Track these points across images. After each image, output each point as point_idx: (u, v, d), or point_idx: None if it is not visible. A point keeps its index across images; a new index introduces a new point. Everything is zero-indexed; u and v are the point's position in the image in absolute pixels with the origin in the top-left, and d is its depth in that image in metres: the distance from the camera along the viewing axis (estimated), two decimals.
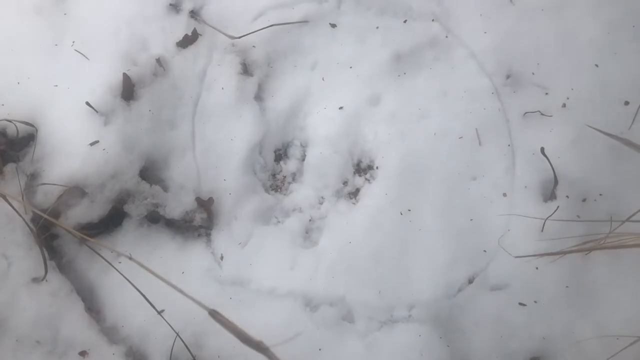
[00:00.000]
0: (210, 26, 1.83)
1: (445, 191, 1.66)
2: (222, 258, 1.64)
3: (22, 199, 1.54)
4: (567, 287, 1.52)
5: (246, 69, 1.83)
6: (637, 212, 1.35)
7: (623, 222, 1.34)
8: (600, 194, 1.60)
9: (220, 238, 1.67)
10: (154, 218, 1.67)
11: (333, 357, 1.50)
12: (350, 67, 1.83)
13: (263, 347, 0.69)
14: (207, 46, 1.83)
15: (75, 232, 1.21)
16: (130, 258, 0.90)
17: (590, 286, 1.53)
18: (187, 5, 1.86)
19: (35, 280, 1.53)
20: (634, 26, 1.76)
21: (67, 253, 1.62)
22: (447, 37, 1.84)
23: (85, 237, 1.20)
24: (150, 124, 1.69)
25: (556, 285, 1.53)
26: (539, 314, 1.51)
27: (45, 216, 1.31)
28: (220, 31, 1.81)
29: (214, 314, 0.75)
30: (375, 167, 1.74)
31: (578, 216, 1.58)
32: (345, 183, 1.76)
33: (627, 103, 1.69)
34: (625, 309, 1.49)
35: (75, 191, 1.58)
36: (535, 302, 1.52)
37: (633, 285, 1.50)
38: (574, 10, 1.81)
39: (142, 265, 0.99)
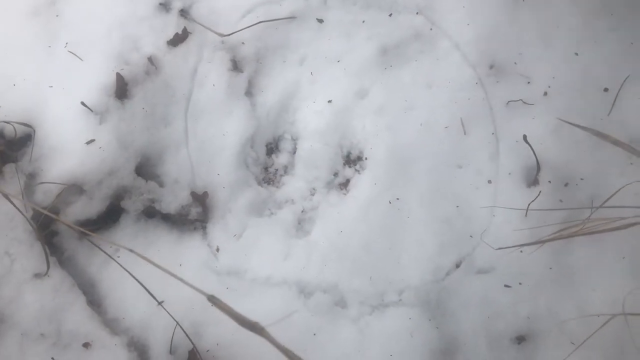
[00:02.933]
0: (200, 24, 1.86)
1: (432, 180, 1.70)
2: (218, 250, 1.69)
3: (22, 197, 1.58)
4: (550, 268, 1.58)
5: (236, 66, 1.87)
6: (609, 198, 1.40)
7: (596, 208, 1.40)
8: (582, 179, 1.65)
9: (216, 231, 1.71)
10: (151, 213, 1.71)
11: (327, 341, 1.55)
12: (338, 61, 1.87)
13: (259, 328, 0.74)
14: (197, 44, 1.86)
15: (76, 227, 1.25)
16: (132, 250, 0.95)
17: (572, 267, 1.58)
18: (176, 4, 1.89)
19: (38, 276, 1.57)
20: (612, 14, 1.81)
21: (68, 249, 1.66)
22: (431, 29, 1.88)
23: (84, 231, 1.24)
24: (144, 121, 1.73)
25: (540, 267, 1.58)
26: (524, 295, 1.56)
27: (47, 212, 1.35)
28: (209, 29, 1.85)
29: (213, 299, 0.80)
30: (364, 158, 1.79)
31: (560, 200, 1.63)
32: (335, 174, 1.81)
33: (606, 90, 1.74)
34: (605, 288, 1.54)
35: (74, 189, 1.62)
36: (520, 283, 1.58)
37: (612, 265, 1.56)
38: (554, 0, 1.86)
39: (142, 257, 1.04)
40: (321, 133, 1.81)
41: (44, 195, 1.60)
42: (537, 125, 1.72)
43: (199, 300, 0.85)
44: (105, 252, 1.48)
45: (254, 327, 0.76)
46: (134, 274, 1.38)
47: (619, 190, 1.46)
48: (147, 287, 1.39)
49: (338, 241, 1.66)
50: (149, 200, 1.69)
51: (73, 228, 1.35)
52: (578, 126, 1.43)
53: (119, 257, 1.58)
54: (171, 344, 1.55)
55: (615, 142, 1.37)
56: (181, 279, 0.87)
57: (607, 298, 1.52)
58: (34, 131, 1.67)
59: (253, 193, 1.76)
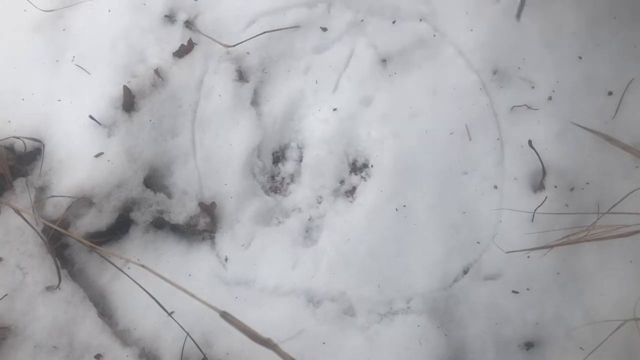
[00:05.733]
0: (205, 35, 1.88)
1: (438, 186, 1.71)
2: (226, 260, 1.70)
3: (33, 211, 1.60)
4: (557, 274, 1.59)
5: (242, 76, 1.88)
6: (616, 204, 1.41)
7: (602, 214, 1.41)
8: (587, 183, 1.66)
9: (224, 240, 1.72)
10: (160, 224, 1.72)
11: (336, 350, 1.56)
12: (342, 69, 1.88)
13: (272, 344, 0.75)
14: (203, 55, 1.88)
15: (85, 241, 1.27)
16: (143, 266, 0.96)
17: (580, 272, 1.59)
18: (181, 16, 1.90)
19: (50, 288, 1.59)
20: (615, 18, 1.82)
21: (78, 261, 1.68)
22: (435, 36, 1.89)
23: (94, 246, 1.25)
24: (151, 133, 1.75)
25: (547, 273, 1.59)
26: (532, 300, 1.57)
27: (56, 227, 1.37)
28: (214, 40, 1.87)
29: (225, 315, 0.81)
30: (370, 166, 1.80)
31: (566, 205, 1.64)
32: (342, 182, 1.82)
33: (610, 93, 1.75)
34: (613, 294, 1.55)
35: (83, 202, 1.64)
36: (527, 289, 1.58)
37: (620, 270, 1.56)
38: (556, 4, 1.86)
39: (152, 271, 1.06)
40: (327, 141, 1.82)
41: (54, 208, 1.62)
42: (542, 130, 1.73)
43: (209, 310, 0.86)
44: (115, 265, 1.49)
45: (266, 343, 0.77)
46: (144, 285, 1.40)
47: (626, 196, 1.46)
48: (158, 298, 1.40)
49: (345, 249, 1.67)
50: (157, 211, 1.70)
51: (82, 242, 1.37)
52: (588, 129, 1.43)
53: (129, 268, 1.59)
54: (182, 354, 1.56)
55: (625, 147, 1.37)
56: (193, 295, 0.88)
57: (615, 303, 1.53)
58: (43, 145, 1.69)
59: (260, 202, 1.78)
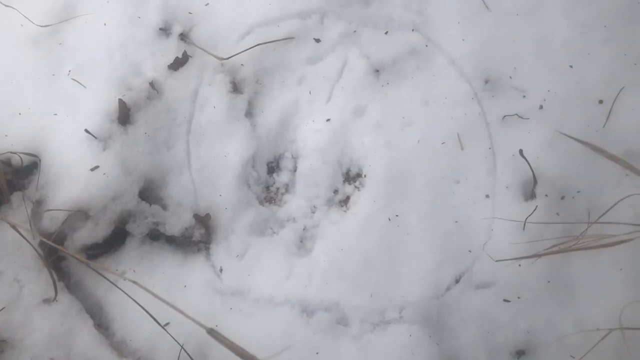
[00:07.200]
0: (200, 48, 1.90)
1: (431, 195, 1.72)
2: (221, 270, 1.72)
3: (30, 225, 1.61)
4: (548, 282, 1.60)
5: (236, 87, 1.90)
6: (605, 213, 1.42)
7: (591, 224, 1.42)
8: (578, 191, 1.67)
9: (219, 251, 1.74)
10: (155, 236, 1.74)
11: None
12: (336, 80, 1.90)
13: None
14: (197, 67, 1.90)
15: (79, 256, 1.29)
16: (134, 282, 0.98)
17: (571, 281, 1.59)
18: (176, 29, 1.92)
19: (46, 301, 1.60)
20: (605, 26, 1.83)
21: (75, 273, 1.70)
22: (427, 45, 1.90)
23: (86, 261, 1.26)
24: (147, 146, 1.77)
25: (538, 281, 1.60)
26: (523, 309, 1.58)
27: (51, 243, 1.38)
28: (209, 52, 1.88)
29: (212, 332, 0.83)
30: (363, 176, 1.81)
31: (557, 214, 1.65)
32: (335, 192, 1.83)
33: (601, 102, 1.76)
34: (603, 301, 1.55)
35: (79, 215, 1.66)
36: (518, 298, 1.59)
37: (610, 277, 1.57)
38: (547, 13, 1.87)
39: (144, 288, 1.08)
40: (321, 151, 1.83)
41: (51, 221, 1.64)
42: (533, 139, 1.74)
43: (204, 320, 0.88)
44: (108, 280, 1.51)
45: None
46: (140, 296, 1.41)
47: (614, 205, 1.48)
48: (154, 308, 1.41)
49: (339, 259, 1.68)
50: (153, 223, 1.72)
51: (76, 257, 1.38)
52: (576, 140, 1.44)
53: (125, 280, 1.61)
54: None
55: (611, 157, 1.39)
56: (181, 311, 0.90)
57: (606, 311, 1.53)
58: (40, 159, 1.71)
59: (255, 213, 1.79)
